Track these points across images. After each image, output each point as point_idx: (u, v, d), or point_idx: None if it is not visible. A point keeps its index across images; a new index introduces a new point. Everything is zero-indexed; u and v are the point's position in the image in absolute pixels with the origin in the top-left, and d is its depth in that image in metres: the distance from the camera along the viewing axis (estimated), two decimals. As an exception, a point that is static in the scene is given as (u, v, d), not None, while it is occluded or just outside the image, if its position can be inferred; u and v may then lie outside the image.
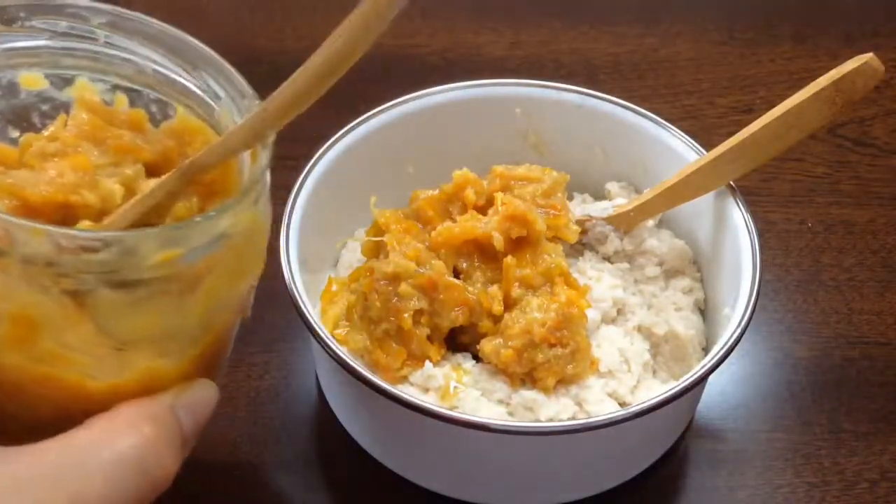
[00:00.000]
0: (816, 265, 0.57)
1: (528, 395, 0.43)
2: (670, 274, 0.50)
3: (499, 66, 0.70)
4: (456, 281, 0.44)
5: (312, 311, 0.42)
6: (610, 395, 0.44)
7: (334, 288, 0.48)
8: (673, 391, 0.39)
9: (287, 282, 0.43)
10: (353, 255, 0.51)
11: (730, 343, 0.41)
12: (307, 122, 0.70)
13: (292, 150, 0.64)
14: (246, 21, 0.75)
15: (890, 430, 0.49)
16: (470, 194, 0.47)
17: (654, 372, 0.47)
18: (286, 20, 0.75)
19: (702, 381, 0.40)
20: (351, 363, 0.40)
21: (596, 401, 0.44)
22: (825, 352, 0.53)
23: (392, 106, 0.51)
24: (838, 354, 0.53)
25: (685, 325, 0.47)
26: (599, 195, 0.53)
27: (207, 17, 0.76)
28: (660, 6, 0.76)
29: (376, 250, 0.48)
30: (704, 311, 0.49)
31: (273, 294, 0.55)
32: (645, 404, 0.39)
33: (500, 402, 0.44)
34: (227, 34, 0.74)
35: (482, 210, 0.47)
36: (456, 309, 0.44)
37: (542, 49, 0.72)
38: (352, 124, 0.50)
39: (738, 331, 0.41)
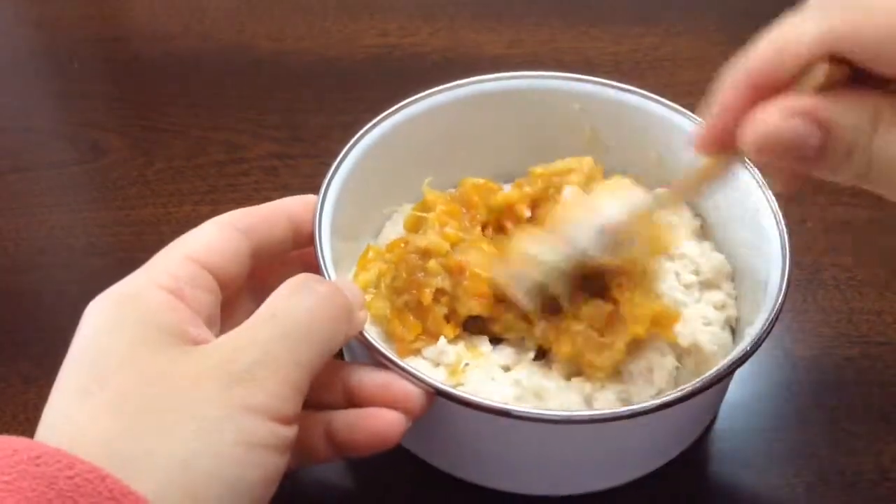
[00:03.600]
0: (816, 265, 0.57)
1: (540, 382, 0.43)
2: (705, 286, 0.49)
3: (499, 65, 0.70)
4: (482, 273, 0.44)
5: (335, 275, 0.42)
6: (623, 402, 0.44)
7: (371, 255, 0.48)
8: (662, 400, 0.39)
9: (315, 244, 0.43)
10: (395, 228, 0.51)
11: (736, 357, 0.40)
12: (307, 123, 0.71)
13: (292, 149, 0.65)
14: (246, 21, 0.75)
15: (890, 430, 0.49)
16: (520, 210, 0.47)
17: (677, 384, 0.46)
18: (286, 20, 0.75)
19: (696, 393, 0.39)
20: (366, 335, 0.40)
21: (605, 400, 0.43)
22: (825, 351, 0.53)
23: (449, 88, 0.51)
24: (838, 354, 0.53)
25: (710, 339, 0.46)
26: None
27: (207, 17, 0.76)
28: (660, 6, 0.76)
29: (417, 225, 0.48)
30: (736, 329, 0.48)
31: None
32: (630, 408, 0.39)
33: (510, 384, 0.44)
34: (227, 34, 0.74)
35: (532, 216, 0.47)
36: (476, 298, 0.44)
37: (542, 48, 0.72)
38: (410, 99, 0.50)
39: (749, 347, 0.40)
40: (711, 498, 0.47)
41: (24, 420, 0.49)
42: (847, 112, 0.31)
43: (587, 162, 0.48)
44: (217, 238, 0.39)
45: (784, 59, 0.32)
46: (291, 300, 0.36)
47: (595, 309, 0.43)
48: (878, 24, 0.30)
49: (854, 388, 0.51)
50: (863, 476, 0.48)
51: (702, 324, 0.47)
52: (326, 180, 0.46)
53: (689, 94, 0.68)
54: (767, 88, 0.32)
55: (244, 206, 0.61)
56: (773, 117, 0.31)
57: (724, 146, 0.35)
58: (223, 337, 0.35)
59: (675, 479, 0.47)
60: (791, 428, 0.50)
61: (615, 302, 0.44)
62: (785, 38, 0.32)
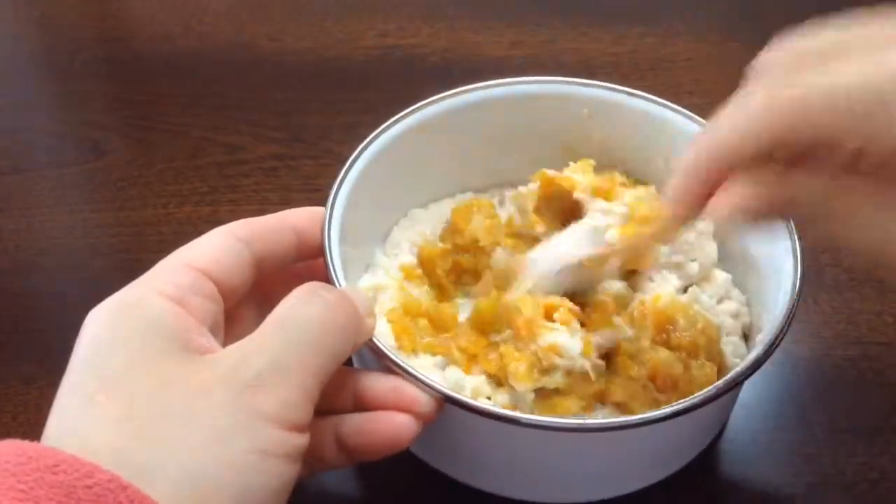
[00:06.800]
0: (816, 265, 0.57)
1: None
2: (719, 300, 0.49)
3: (499, 65, 0.70)
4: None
5: (344, 282, 0.42)
6: None
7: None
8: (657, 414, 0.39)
9: (325, 250, 0.42)
10: (404, 234, 0.51)
11: (746, 366, 0.40)
12: (307, 123, 0.71)
13: (292, 150, 0.65)
14: (246, 21, 0.75)
15: (890, 430, 0.49)
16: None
17: None
18: (286, 20, 0.75)
19: (703, 404, 0.39)
20: (376, 341, 0.40)
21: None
22: (825, 352, 0.53)
23: (458, 93, 0.50)
24: (838, 354, 0.53)
25: (732, 351, 0.46)
26: None
27: (207, 17, 0.76)
28: (660, 6, 0.76)
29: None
30: (749, 336, 0.48)
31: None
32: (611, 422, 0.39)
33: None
34: (227, 34, 0.74)
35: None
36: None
37: (542, 49, 0.72)
38: (419, 105, 0.50)
39: (758, 357, 0.40)
40: (712, 498, 0.47)
41: (24, 421, 0.49)
42: (802, 188, 0.34)
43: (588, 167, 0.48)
44: (218, 247, 0.39)
45: (734, 151, 0.34)
46: (300, 308, 0.36)
47: (666, 365, 0.42)
48: (813, 111, 0.32)
49: (854, 388, 0.51)
50: (863, 476, 0.48)
51: (724, 335, 0.46)
52: (336, 186, 0.45)
53: (690, 95, 0.68)
54: (727, 169, 0.35)
55: (244, 207, 0.61)
56: (738, 198, 0.34)
57: (694, 210, 0.37)
58: (232, 346, 0.35)
59: (676, 480, 0.47)
60: (791, 428, 0.50)
61: (682, 352, 0.43)
62: (735, 131, 0.34)
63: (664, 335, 0.44)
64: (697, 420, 0.44)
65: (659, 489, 0.46)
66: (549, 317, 0.44)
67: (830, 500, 0.47)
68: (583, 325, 0.44)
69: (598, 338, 0.43)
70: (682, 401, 0.39)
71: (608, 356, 0.44)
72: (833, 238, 0.34)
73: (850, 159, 0.32)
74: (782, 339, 0.41)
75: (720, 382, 0.39)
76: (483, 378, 0.44)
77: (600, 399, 0.43)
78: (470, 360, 0.44)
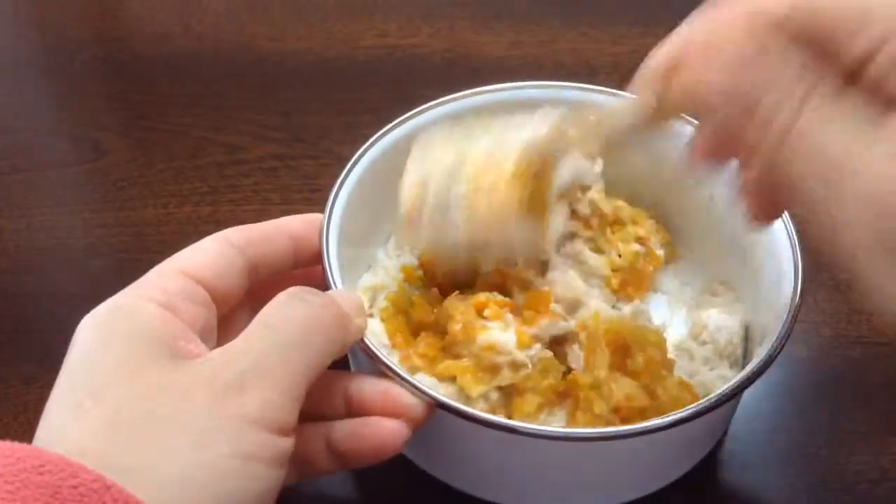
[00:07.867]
0: (816, 265, 0.57)
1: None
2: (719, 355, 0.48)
3: (499, 66, 0.70)
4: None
5: (340, 283, 0.42)
6: None
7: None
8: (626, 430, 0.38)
9: (322, 251, 0.42)
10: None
11: (742, 379, 0.40)
12: (307, 123, 0.71)
13: (292, 150, 0.65)
14: (246, 21, 0.75)
15: (890, 430, 0.49)
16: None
17: None
18: (286, 20, 0.75)
19: (696, 416, 0.39)
20: (368, 343, 0.40)
21: None
22: (825, 352, 0.53)
23: (462, 97, 0.50)
24: (838, 354, 0.53)
25: (721, 383, 0.45)
26: (664, 211, 0.52)
27: (207, 17, 0.76)
28: (660, 6, 0.76)
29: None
30: (749, 336, 0.48)
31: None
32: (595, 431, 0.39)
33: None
34: (227, 34, 0.74)
35: None
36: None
37: (542, 49, 0.72)
38: (422, 107, 0.49)
39: (756, 368, 0.40)
40: (712, 499, 0.47)
41: (24, 421, 0.50)
42: (783, 75, 0.30)
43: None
44: (211, 253, 0.39)
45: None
46: (283, 310, 0.36)
47: (630, 399, 0.41)
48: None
49: (854, 388, 0.51)
50: (863, 476, 0.48)
51: (707, 370, 0.46)
52: (336, 187, 0.45)
53: (689, 95, 0.68)
54: None
55: (244, 207, 0.61)
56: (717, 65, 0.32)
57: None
58: (217, 349, 0.35)
59: (675, 480, 0.47)
60: (791, 428, 0.50)
61: (645, 378, 0.42)
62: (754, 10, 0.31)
63: (619, 359, 0.43)
64: (696, 429, 0.43)
65: (658, 493, 0.46)
66: (480, 314, 0.43)
67: (830, 500, 0.47)
68: (519, 316, 0.44)
69: (537, 330, 0.43)
70: (682, 410, 0.38)
71: (558, 344, 0.44)
72: (777, 152, 0.31)
73: (852, 68, 0.29)
74: (782, 348, 0.41)
75: (722, 390, 0.39)
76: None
77: (562, 395, 0.43)
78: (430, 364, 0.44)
